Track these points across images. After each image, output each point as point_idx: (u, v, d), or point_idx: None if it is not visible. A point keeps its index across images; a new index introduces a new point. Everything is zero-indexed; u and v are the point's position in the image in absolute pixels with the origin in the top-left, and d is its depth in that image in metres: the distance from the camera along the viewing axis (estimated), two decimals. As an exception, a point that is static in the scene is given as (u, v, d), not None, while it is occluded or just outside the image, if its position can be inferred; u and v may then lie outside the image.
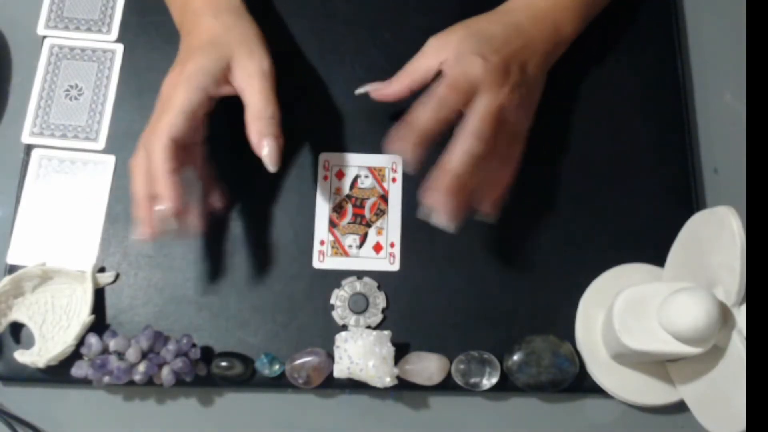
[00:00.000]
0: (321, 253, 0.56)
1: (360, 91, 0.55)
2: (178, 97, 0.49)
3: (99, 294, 0.55)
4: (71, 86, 0.60)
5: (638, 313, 0.48)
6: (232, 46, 0.52)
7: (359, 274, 0.56)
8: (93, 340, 0.52)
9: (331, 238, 0.57)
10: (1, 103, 0.61)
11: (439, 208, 0.48)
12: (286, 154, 0.54)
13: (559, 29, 0.55)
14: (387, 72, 0.60)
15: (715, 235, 0.47)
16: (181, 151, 0.50)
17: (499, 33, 0.52)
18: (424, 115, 0.49)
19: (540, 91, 0.55)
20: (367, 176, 0.58)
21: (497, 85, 0.50)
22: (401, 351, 0.53)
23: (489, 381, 0.52)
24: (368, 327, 0.54)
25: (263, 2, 0.57)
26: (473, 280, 0.56)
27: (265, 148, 0.50)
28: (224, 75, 0.51)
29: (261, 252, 0.56)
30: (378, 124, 0.58)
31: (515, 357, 0.52)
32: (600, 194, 0.58)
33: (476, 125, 0.49)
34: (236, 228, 0.57)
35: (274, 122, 0.50)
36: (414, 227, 0.56)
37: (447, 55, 0.51)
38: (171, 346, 0.52)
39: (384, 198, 0.58)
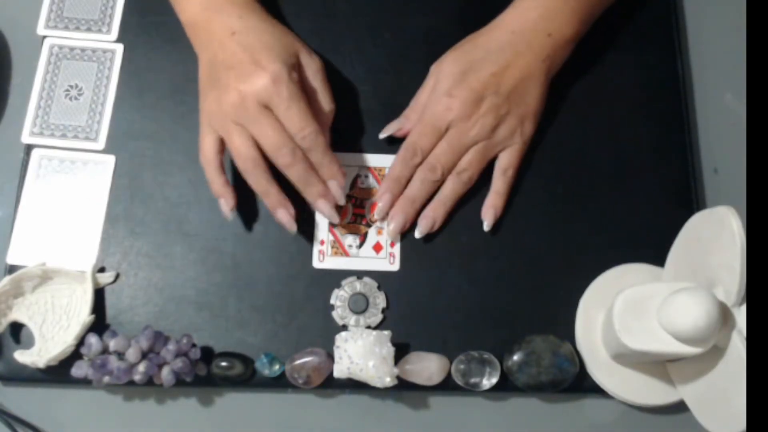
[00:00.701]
0: (321, 252, 0.56)
1: (384, 135, 0.58)
2: (287, 92, 0.51)
3: (99, 294, 0.55)
4: (71, 86, 0.60)
5: (638, 313, 0.48)
6: (296, 44, 0.55)
7: (359, 274, 0.56)
8: (93, 340, 0.52)
9: (331, 237, 0.57)
10: (1, 103, 0.61)
11: (400, 222, 0.56)
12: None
13: (554, 35, 0.56)
14: (387, 72, 0.61)
15: (715, 235, 0.47)
16: None
17: (477, 59, 0.55)
18: (398, 167, 0.56)
19: (535, 100, 0.56)
20: (367, 176, 0.58)
21: (464, 118, 0.55)
22: (401, 351, 0.53)
23: (489, 381, 0.52)
24: (368, 327, 0.54)
25: (264, 2, 0.57)
26: (473, 280, 0.56)
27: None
28: (296, 68, 0.54)
29: (261, 252, 0.56)
30: (378, 124, 0.58)
31: (515, 357, 0.52)
32: (600, 194, 0.58)
33: (431, 159, 0.55)
34: (236, 228, 0.57)
35: (332, 115, 0.57)
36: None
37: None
38: (171, 346, 0.52)
39: (384, 198, 0.58)
